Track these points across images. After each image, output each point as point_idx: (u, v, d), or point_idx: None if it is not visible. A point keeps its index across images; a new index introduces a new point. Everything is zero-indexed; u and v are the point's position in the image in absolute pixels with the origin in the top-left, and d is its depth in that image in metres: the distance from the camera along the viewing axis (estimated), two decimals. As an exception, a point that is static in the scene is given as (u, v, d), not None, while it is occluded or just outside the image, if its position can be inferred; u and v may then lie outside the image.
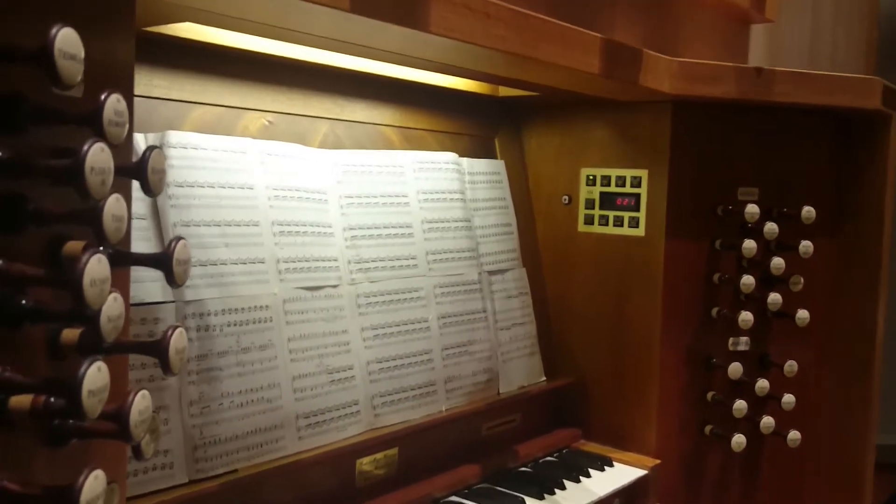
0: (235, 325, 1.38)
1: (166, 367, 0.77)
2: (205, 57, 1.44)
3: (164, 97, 1.38)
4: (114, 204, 0.71)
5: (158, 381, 1.27)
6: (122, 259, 0.77)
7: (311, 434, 1.48)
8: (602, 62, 1.54)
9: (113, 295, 0.71)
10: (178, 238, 0.79)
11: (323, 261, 1.57)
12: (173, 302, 1.30)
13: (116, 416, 0.71)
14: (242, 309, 1.39)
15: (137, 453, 0.78)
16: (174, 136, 1.36)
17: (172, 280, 0.79)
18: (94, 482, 0.66)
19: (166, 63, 1.38)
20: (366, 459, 1.58)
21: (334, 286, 1.58)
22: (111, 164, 0.69)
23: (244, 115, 1.52)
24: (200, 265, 1.34)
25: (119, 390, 0.79)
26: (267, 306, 1.44)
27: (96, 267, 0.65)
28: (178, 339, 0.78)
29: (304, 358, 1.49)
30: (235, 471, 1.35)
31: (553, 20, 1.43)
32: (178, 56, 1.40)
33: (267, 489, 1.41)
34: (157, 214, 1.31)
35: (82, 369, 0.65)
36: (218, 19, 1.24)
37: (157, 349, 0.77)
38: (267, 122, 1.55)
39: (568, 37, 1.47)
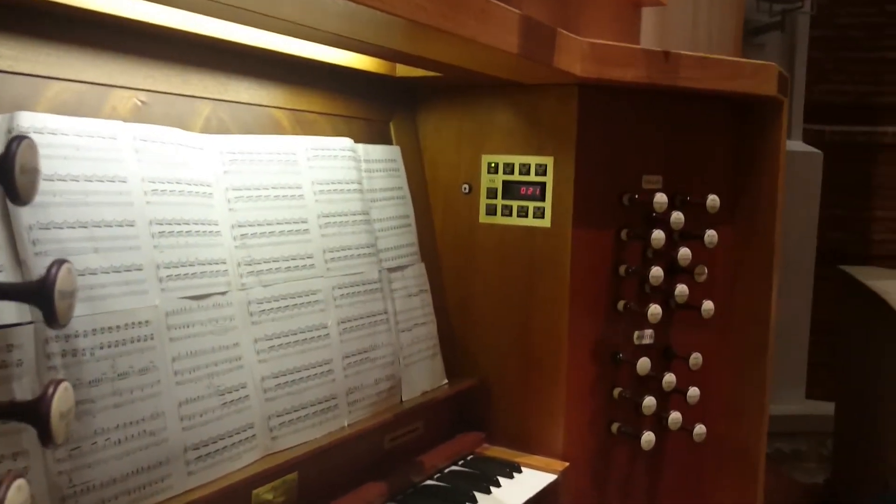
0: (109, 346, 1.15)
1: (47, 437, 0.57)
2: (63, 23, 1.19)
3: (10, 70, 1.12)
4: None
5: (12, 422, 1.03)
6: (-17, 293, 0.56)
7: (202, 468, 1.28)
8: (520, 40, 1.41)
9: (-25, 350, 0.50)
10: (61, 262, 0.58)
11: (209, 264, 1.35)
12: (31, 323, 1.05)
13: (-16, 520, 0.50)
14: (118, 327, 1.17)
15: (10, 554, 0.57)
16: (26, 119, 1.10)
17: (54, 319, 0.58)
18: None
19: (14, 29, 1.12)
20: (263, 489, 1.38)
21: (223, 293, 1.37)
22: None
23: (111, 94, 1.27)
24: (64, 277, 1.10)
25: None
26: (147, 322, 1.21)
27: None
28: (62, 400, 0.58)
29: (192, 379, 1.28)
30: (114, 521, 1.13)
31: (474, -8, 1.28)
32: (28, 21, 1.14)
33: (151, 537, 1.19)
34: (6, 216, 1.06)
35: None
36: (82, -25, 1.01)
37: (36, 415, 0.57)
38: (139, 103, 1.32)
39: (488, 11, 1.33)
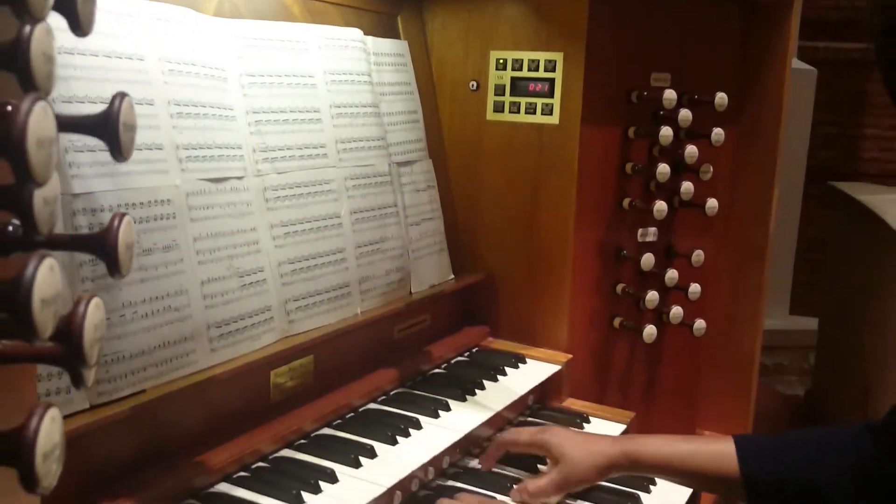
0: (134, 222, 1.16)
1: (115, 266, 0.59)
2: None
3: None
4: (43, 38, 0.50)
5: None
6: (48, 123, 0.56)
7: (224, 345, 1.31)
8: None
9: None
10: (123, 94, 0.58)
11: (226, 148, 1.36)
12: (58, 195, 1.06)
13: (65, 335, 0.52)
14: (141, 203, 1.18)
15: (79, 380, 0.59)
16: (45, -11, 1.08)
17: (118, 150, 0.59)
18: (50, 426, 0.47)
19: None
20: (281, 370, 1.42)
21: (240, 178, 1.38)
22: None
23: (125, -29, 1.25)
24: (88, 150, 1.11)
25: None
26: (168, 200, 1.22)
27: (42, 121, 0.45)
28: (126, 232, 0.60)
29: (213, 259, 1.29)
30: (143, 391, 1.16)
31: None
32: None
33: (177, 409, 1.23)
34: (30, 87, 1.06)
35: (30, 269, 0.45)
36: None
37: (103, 245, 0.58)
38: (153, -19, 1.29)
39: None
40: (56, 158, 0.49)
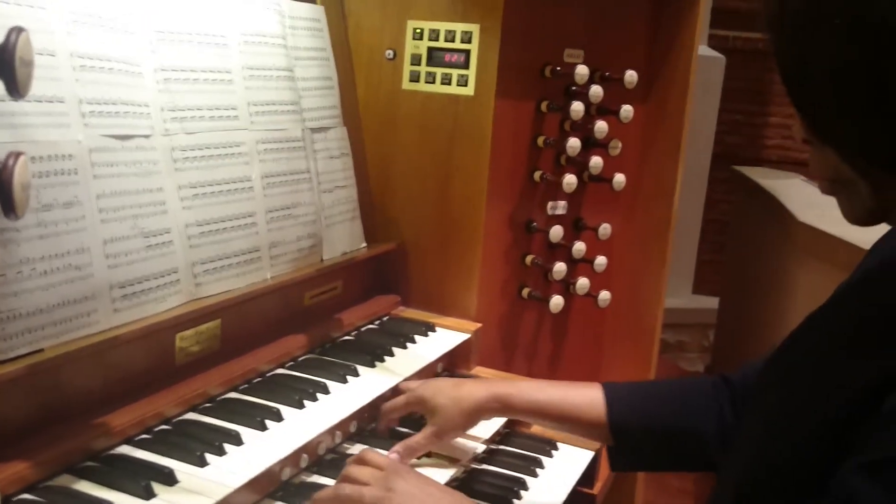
0: (33, 176, 1.12)
1: (10, 206, 0.57)
2: None
3: None
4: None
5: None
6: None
7: (128, 306, 1.28)
8: None
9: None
10: (20, 29, 0.57)
11: (132, 105, 1.32)
12: (-50, 145, 1.02)
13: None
14: (41, 157, 1.14)
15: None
16: (-63, -73, 1.03)
17: (15, 88, 0.57)
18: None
19: None
20: (187, 333, 1.41)
21: (146, 136, 1.34)
22: None
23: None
24: (-17, 100, 1.06)
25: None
26: (70, 156, 1.19)
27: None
28: (22, 171, 0.58)
29: (116, 218, 1.26)
30: (41, 350, 1.13)
31: None
32: None
33: (77, 370, 1.20)
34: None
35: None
36: None
37: (-4, 185, 0.56)
38: (56, -74, 1.24)
39: None
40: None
